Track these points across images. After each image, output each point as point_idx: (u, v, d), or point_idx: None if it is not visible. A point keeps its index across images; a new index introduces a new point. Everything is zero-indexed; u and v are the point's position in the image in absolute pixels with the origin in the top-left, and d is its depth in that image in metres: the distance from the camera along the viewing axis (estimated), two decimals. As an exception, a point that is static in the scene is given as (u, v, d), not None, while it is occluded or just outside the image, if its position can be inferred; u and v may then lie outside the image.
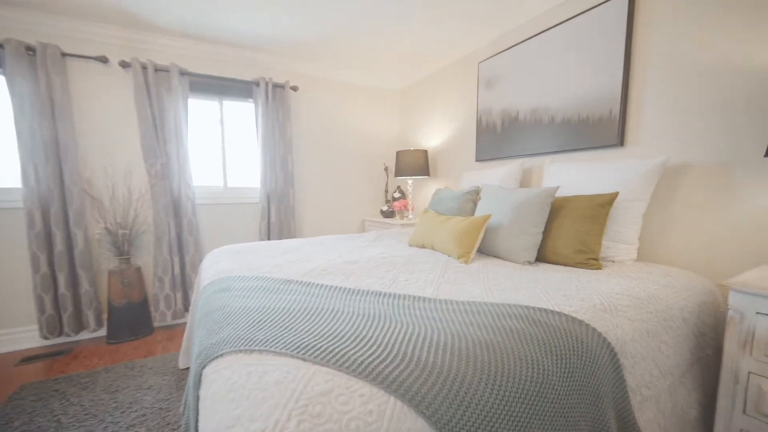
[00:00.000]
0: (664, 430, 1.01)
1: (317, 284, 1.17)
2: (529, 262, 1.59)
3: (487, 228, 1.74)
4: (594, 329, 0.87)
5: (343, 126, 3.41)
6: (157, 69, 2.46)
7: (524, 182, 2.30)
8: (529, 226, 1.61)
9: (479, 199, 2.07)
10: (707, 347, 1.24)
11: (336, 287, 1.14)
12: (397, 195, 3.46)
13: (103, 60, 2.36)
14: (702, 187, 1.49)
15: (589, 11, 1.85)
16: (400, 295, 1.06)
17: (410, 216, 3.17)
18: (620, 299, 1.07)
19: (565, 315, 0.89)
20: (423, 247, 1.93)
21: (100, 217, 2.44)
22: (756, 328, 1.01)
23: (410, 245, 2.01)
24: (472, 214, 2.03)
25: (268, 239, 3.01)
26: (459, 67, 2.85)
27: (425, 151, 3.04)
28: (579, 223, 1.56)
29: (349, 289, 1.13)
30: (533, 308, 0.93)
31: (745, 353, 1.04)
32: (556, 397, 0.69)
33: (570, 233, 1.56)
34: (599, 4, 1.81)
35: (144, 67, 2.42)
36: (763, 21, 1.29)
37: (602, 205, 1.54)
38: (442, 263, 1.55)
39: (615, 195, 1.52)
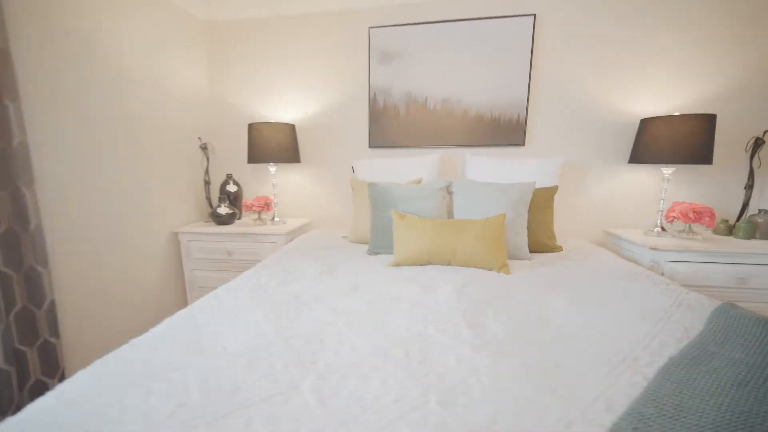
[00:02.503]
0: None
1: None
2: (528, 258, 1.66)
3: (486, 228, 1.61)
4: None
5: (110, 65, 1.74)
6: None
7: (443, 174, 2.26)
8: (522, 221, 1.67)
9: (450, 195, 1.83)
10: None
11: None
12: (231, 188, 2.31)
13: None
14: (572, 180, 2.16)
15: (501, 18, 2.04)
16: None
17: (276, 219, 2.24)
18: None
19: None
20: (429, 263, 1.48)
21: None
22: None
23: (402, 265, 1.48)
24: (450, 214, 1.78)
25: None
26: (337, 21, 2.23)
27: (292, 127, 2.20)
28: (540, 213, 1.80)
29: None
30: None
31: (661, 287, 1.70)
32: None
33: (538, 223, 1.78)
34: (509, 16, 2.03)
35: None
36: (622, 68, 2.01)
37: (550, 196, 1.86)
38: (506, 285, 1.29)
39: (556, 188, 1.88)
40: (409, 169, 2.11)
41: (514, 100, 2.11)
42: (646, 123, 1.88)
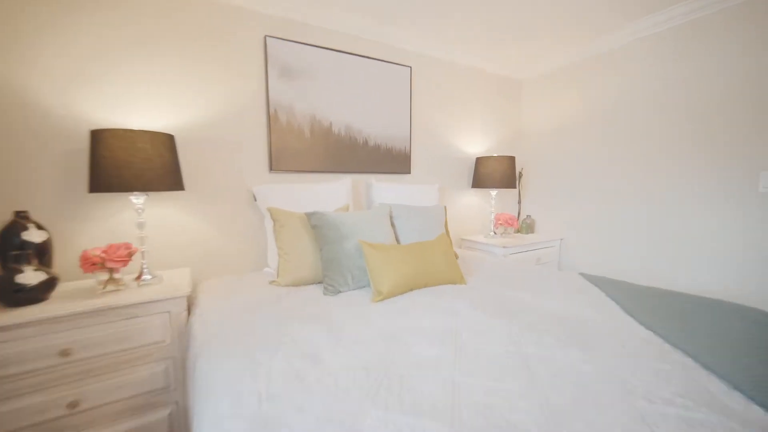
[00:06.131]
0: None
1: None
2: (450, 266, 2.00)
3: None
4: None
5: None
6: None
7: (356, 200, 2.22)
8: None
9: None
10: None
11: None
12: (35, 237, 1.34)
13: None
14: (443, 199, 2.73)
15: (388, 63, 2.32)
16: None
17: (147, 277, 1.47)
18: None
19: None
20: (411, 290, 1.50)
21: None
22: (512, 260, 2.49)
23: (388, 297, 1.43)
24: (396, 238, 1.81)
25: None
26: (221, 14, 1.76)
27: (171, 137, 1.54)
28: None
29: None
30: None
31: (509, 272, 2.49)
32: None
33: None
34: (393, 63, 2.35)
35: None
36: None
37: (443, 214, 2.31)
38: (483, 299, 1.56)
39: (445, 208, 2.34)
40: (325, 195, 1.99)
41: (402, 133, 2.44)
42: (480, 160, 2.70)
